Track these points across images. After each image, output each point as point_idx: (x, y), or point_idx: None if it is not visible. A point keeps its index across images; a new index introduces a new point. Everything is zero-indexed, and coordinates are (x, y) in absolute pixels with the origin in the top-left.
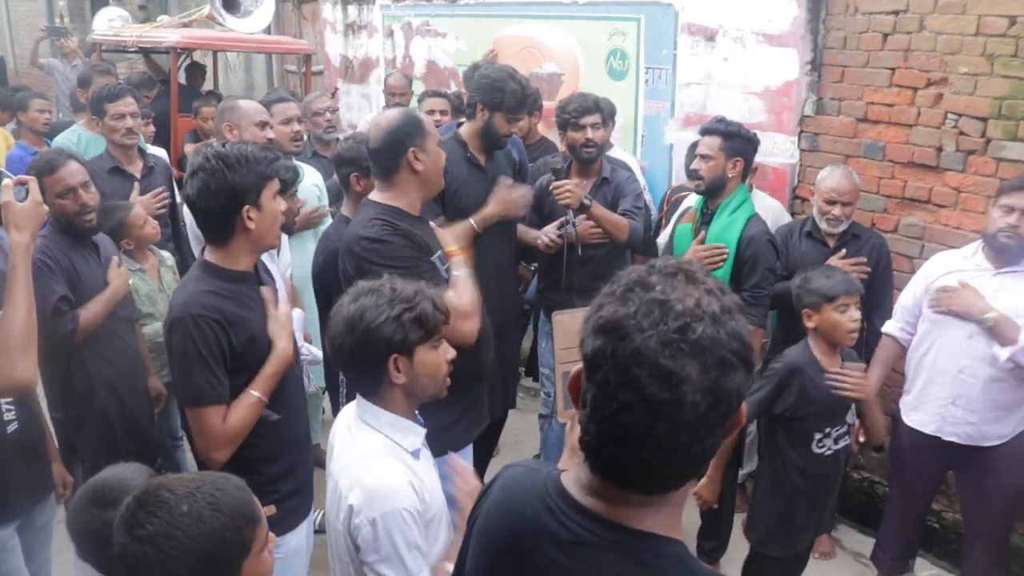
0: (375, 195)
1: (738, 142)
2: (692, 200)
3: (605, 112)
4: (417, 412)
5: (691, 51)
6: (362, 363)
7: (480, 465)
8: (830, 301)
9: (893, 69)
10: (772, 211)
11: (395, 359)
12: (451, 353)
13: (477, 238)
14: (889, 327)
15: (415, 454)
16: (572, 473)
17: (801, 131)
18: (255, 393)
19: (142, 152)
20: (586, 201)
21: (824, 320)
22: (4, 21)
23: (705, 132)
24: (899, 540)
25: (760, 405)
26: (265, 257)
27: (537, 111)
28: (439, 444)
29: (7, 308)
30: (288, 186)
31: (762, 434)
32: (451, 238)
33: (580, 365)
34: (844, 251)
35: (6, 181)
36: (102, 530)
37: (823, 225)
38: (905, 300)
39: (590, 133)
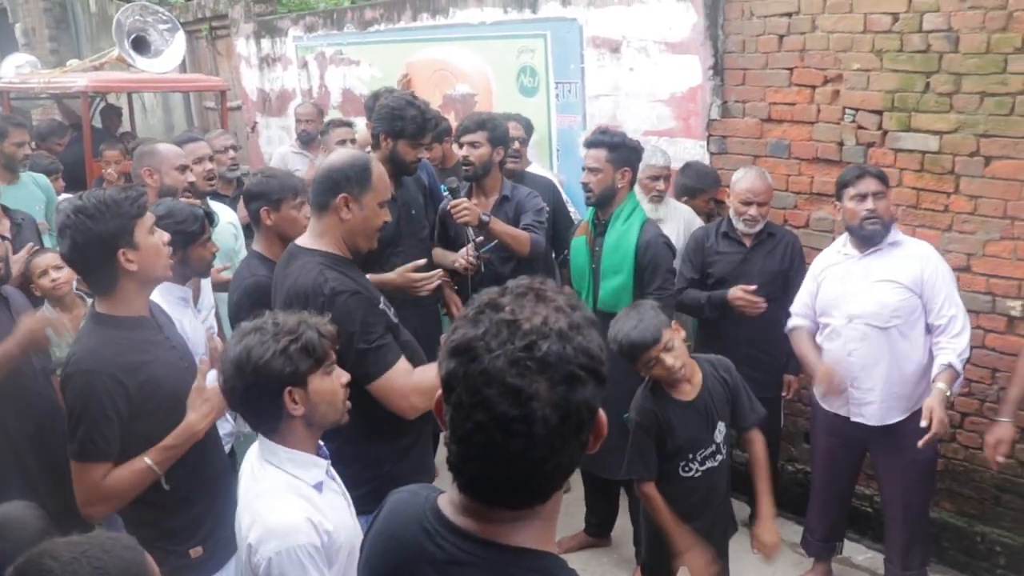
0: (310, 240)
1: (624, 152)
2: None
3: (494, 132)
4: (323, 444)
5: (598, 64)
6: (257, 401)
7: None
8: (643, 355)
9: (791, 69)
10: (684, 216)
11: (290, 392)
12: (345, 377)
13: None
14: (793, 321)
15: (318, 487)
16: (448, 494)
17: (709, 135)
18: (147, 460)
19: (6, 210)
20: (484, 217)
21: (654, 372)
22: None
23: (590, 145)
24: (824, 522)
25: (639, 462)
26: (179, 306)
27: (447, 137)
28: None
29: None
30: (197, 236)
31: None
32: None
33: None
34: (756, 287)
35: None
36: None
37: (739, 226)
38: (801, 296)
39: (465, 151)
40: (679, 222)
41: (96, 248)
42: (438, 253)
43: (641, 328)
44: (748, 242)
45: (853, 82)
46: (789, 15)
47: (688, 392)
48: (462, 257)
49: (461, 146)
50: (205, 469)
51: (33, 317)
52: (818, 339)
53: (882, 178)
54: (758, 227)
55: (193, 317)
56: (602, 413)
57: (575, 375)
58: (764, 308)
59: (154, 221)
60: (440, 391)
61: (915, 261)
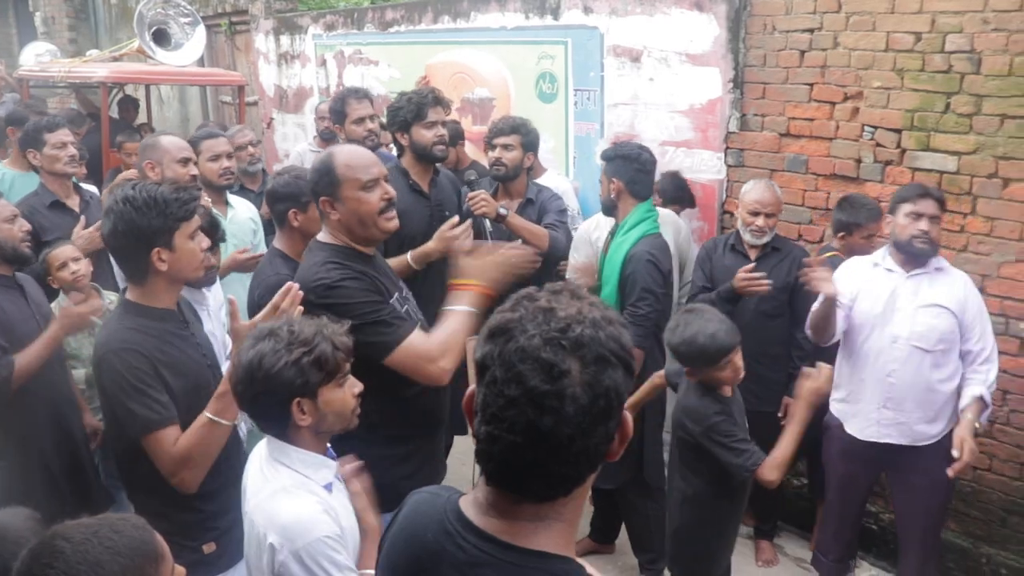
0: (325, 235)
1: (615, 163)
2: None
3: (527, 136)
4: (330, 446)
5: (618, 72)
6: (266, 408)
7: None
8: (726, 357)
9: (811, 85)
10: (671, 224)
11: (298, 402)
12: (358, 387)
13: (415, 274)
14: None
15: (327, 487)
16: (470, 495)
17: (727, 147)
18: (207, 415)
19: (76, 187)
20: (502, 211)
21: (712, 379)
22: None
23: None
24: (838, 543)
25: (752, 449)
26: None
27: (460, 141)
28: (393, 499)
29: None
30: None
31: (676, 471)
32: (472, 270)
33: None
34: (753, 264)
35: None
36: None
37: (747, 236)
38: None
39: (498, 153)
40: (667, 229)
41: (133, 240)
42: None
43: (727, 330)
44: (753, 255)
45: (873, 100)
46: (811, 31)
47: (728, 390)
48: None
49: (494, 148)
50: (226, 465)
51: (63, 314)
52: (847, 357)
53: (941, 203)
54: (765, 239)
55: (211, 316)
56: (628, 415)
57: (606, 358)
58: (768, 286)
59: (199, 225)
60: (472, 388)
61: (959, 288)
